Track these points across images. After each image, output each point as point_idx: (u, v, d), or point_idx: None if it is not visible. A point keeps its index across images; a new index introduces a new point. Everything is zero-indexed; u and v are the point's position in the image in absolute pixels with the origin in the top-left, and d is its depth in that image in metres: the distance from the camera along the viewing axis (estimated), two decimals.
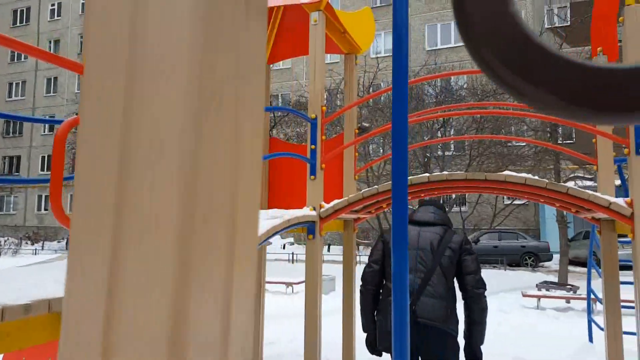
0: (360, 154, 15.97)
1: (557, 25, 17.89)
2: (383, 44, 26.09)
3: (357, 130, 5.04)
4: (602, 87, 0.33)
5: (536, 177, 3.71)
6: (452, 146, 18.80)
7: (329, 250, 22.07)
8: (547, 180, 3.67)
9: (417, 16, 25.66)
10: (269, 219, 3.71)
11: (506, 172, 3.82)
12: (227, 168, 0.39)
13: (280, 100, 23.67)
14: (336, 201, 4.18)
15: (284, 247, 23.58)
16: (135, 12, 0.36)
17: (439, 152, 17.55)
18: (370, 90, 18.28)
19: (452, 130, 18.18)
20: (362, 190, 4.16)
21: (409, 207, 3.66)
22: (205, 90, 0.37)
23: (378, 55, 25.54)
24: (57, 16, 35.96)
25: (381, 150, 17.52)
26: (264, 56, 0.44)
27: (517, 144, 16.83)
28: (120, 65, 0.36)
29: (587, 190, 3.60)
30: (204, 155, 0.36)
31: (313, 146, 4.17)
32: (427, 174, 4.00)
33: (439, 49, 24.37)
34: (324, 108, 4.16)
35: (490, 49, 0.34)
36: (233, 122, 0.39)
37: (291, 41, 5.02)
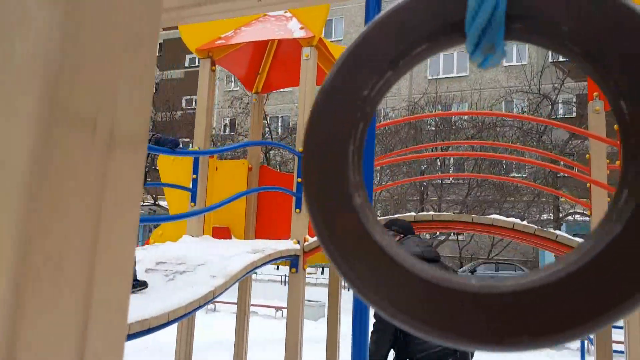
0: None
1: (559, 60, 18.05)
2: None
3: None
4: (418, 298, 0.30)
5: (524, 223, 3.64)
6: (450, 171, 18.71)
7: (322, 273, 21.86)
8: (536, 227, 3.60)
9: None
10: (250, 252, 3.64)
11: (494, 216, 3.76)
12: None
13: (280, 122, 23.73)
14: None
15: (277, 268, 23.35)
16: None
17: (438, 180, 17.46)
18: None
19: (452, 159, 18.15)
20: None
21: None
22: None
23: None
24: None
25: (378, 177, 17.47)
26: (139, 185, 0.39)
27: (517, 175, 16.80)
28: None
29: (577, 239, 3.53)
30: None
31: (300, 179, 4.11)
32: (413, 213, 3.94)
33: (441, 78, 24.58)
34: None
35: (329, 239, 0.33)
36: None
37: (284, 72, 5.03)
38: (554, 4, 0.29)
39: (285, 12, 4.69)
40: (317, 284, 18.02)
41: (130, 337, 2.12)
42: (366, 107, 0.35)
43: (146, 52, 0.41)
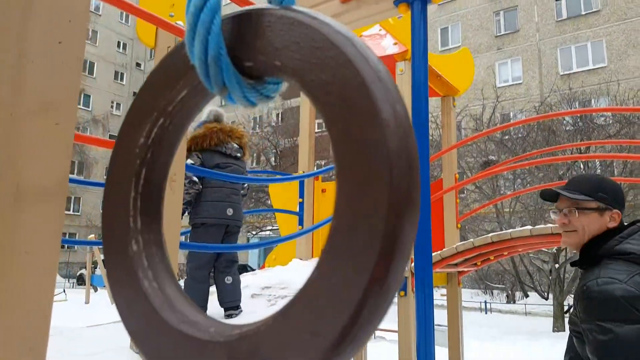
0: (484, 192, 14.96)
1: None
2: (510, 71, 24.66)
3: (454, 176, 4.72)
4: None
5: None
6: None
7: None
8: None
9: (547, 40, 23.83)
10: None
11: None
12: None
13: None
14: None
15: None
16: None
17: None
18: (491, 121, 17.27)
19: (597, 161, 16.18)
20: (456, 244, 3.85)
21: None
22: None
23: (506, 84, 24.20)
24: None
25: (514, 186, 16.19)
26: (55, 232, 0.42)
27: None
28: None
29: None
30: None
31: None
32: (529, 227, 3.56)
33: (575, 72, 22.19)
34: None
35: (109, 280, 0.38)
36: None
37: None
38: (268, 46, 0.31)
39: (380, 30, 4.67)
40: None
41: None
42: (146, 154, 0.38)
43: (60, 113, 0.43)
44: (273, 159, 23.89)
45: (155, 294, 0.35)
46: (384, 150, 0.26)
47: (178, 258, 2.08)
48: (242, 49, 0.32)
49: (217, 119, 3.45)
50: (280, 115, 27.55)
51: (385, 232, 0.26)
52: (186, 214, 3.28)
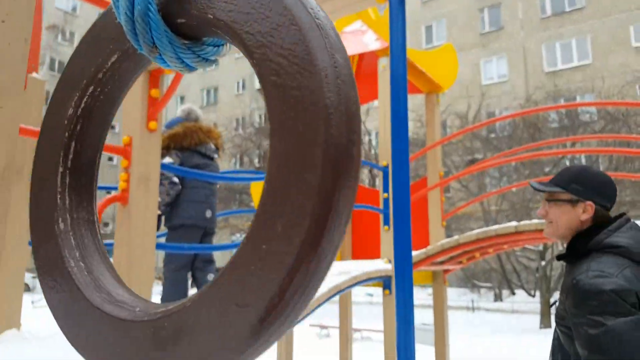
0: (471, 191, 15.01)
1: None
2: (496, 69, 24.79)
3: (441, 174, 4.67)
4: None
5: None
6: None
7: None
8: None
9: (532, 37, 24.00)
10: (336, 274, 3.52)
11: None
12: None
13: (373, 136, 23.49)
14: (413, 253, 3.87)
15: None
16: None
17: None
18: (477, 119, 17.34)
19: (582, 157, 16.34)
20: (441, 242, 3.80)
21: None
22: None
23: (492, 82, 24.34)
24: None
25: (499, 184, 16.28)
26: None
27: None
28: None
29: None
30: None
31: (386, 194, 3.93)
32: (514, 223, 3.53)
33: (560, 69, 22.36)
34: None
35: (35, 262, 0.36)
36: None
37: (368, 86, 4.93)
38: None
39: (362, 26, 4.61)
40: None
41: None
42: (75, 126, 0.34)
43: (4, 96, 0.48)
44: (256, 160, 23.76)
45: (81, 274, 0.32)
46: (319, 100, 0.24)
47: (155, 260, 2.00)
48: (174, 4, 0.29)
49: (198, 120, 3.41)
50: (263, 116, 27.40)
51: (319, 190, 0.23)
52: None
